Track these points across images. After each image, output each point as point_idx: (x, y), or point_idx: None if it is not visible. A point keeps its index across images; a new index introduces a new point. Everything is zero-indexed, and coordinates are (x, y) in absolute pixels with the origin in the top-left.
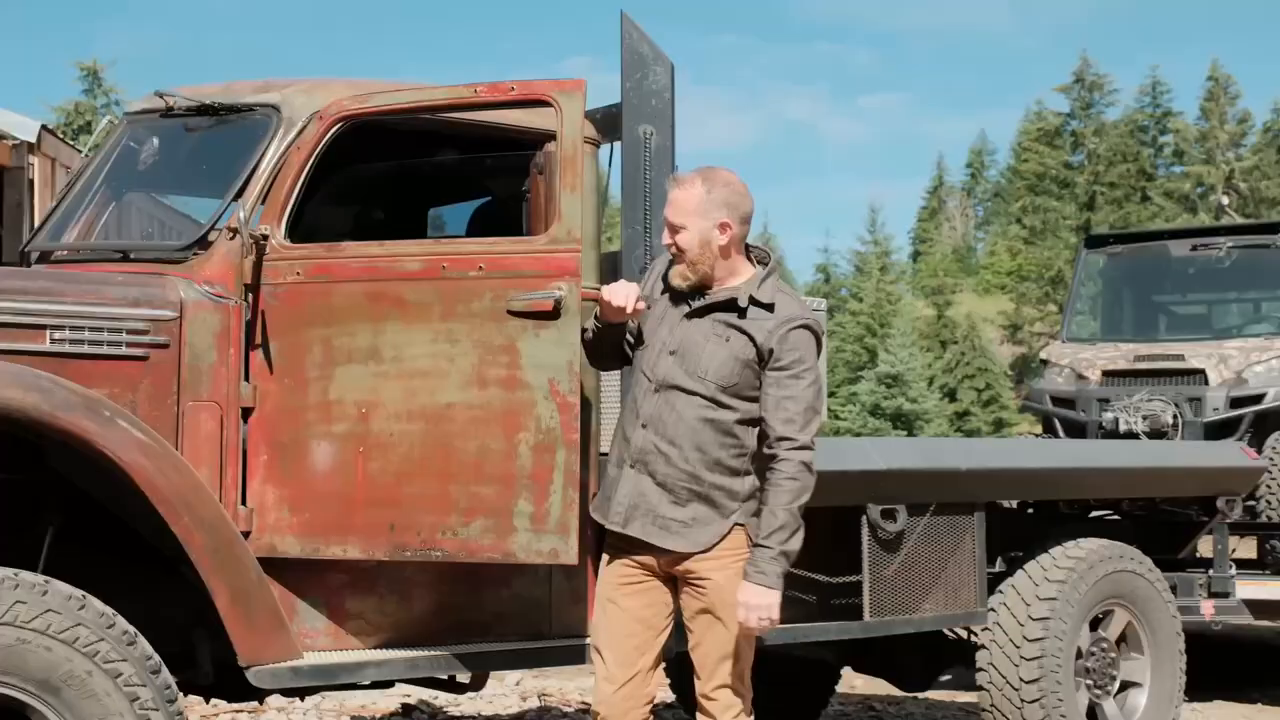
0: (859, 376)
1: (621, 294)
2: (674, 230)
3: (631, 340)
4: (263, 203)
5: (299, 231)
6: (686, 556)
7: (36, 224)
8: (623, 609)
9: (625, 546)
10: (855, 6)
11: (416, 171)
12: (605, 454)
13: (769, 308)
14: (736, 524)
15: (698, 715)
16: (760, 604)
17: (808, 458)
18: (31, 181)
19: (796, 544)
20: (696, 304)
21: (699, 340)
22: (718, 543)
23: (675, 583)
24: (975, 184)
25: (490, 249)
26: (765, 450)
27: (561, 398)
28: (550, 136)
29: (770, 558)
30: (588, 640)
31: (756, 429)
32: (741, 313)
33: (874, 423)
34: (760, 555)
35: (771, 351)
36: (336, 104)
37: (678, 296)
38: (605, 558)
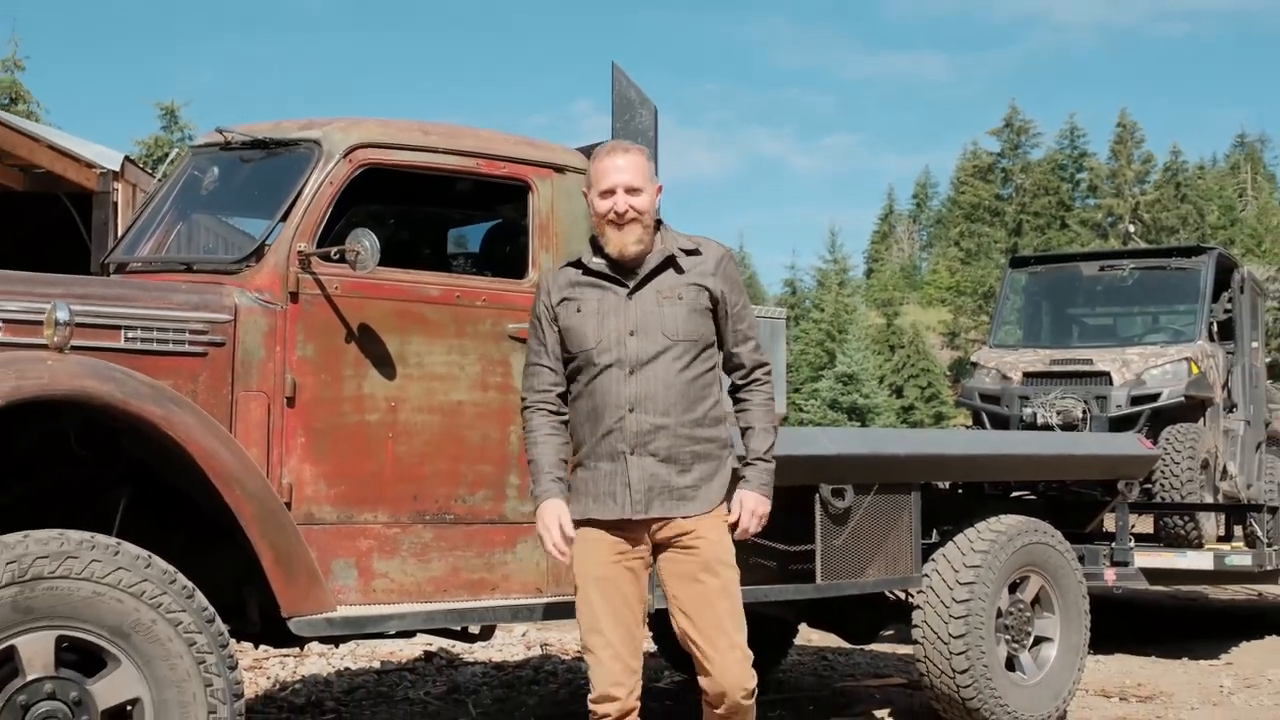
0: (820, 375)
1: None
2: (633, 193)
3: (565, 355)
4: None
5: (329, 245)
6: (679, 520)
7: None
8: (616, 588)
9: (607, 527)
10: (818, 59)
11: (437, 199)
12: None
13: (696, 252)
14: (732, 470)
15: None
16: (762, 510)
17: (771, 373)
18: (116, 204)
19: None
20: (636, 279)
21: (653, 309)
22: (724, 497)
23: (655, 553)
24: (920, 212)
25: (491, 286)
26: (738, 379)
27: None
28: (541, 169)
29: (769, 470)
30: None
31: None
32: (679, 268)
33: (832, 415)
34: (763, 469)
35: (723, 290)
36: (363, 153)
37: (603, 286)
38: (584, 540)
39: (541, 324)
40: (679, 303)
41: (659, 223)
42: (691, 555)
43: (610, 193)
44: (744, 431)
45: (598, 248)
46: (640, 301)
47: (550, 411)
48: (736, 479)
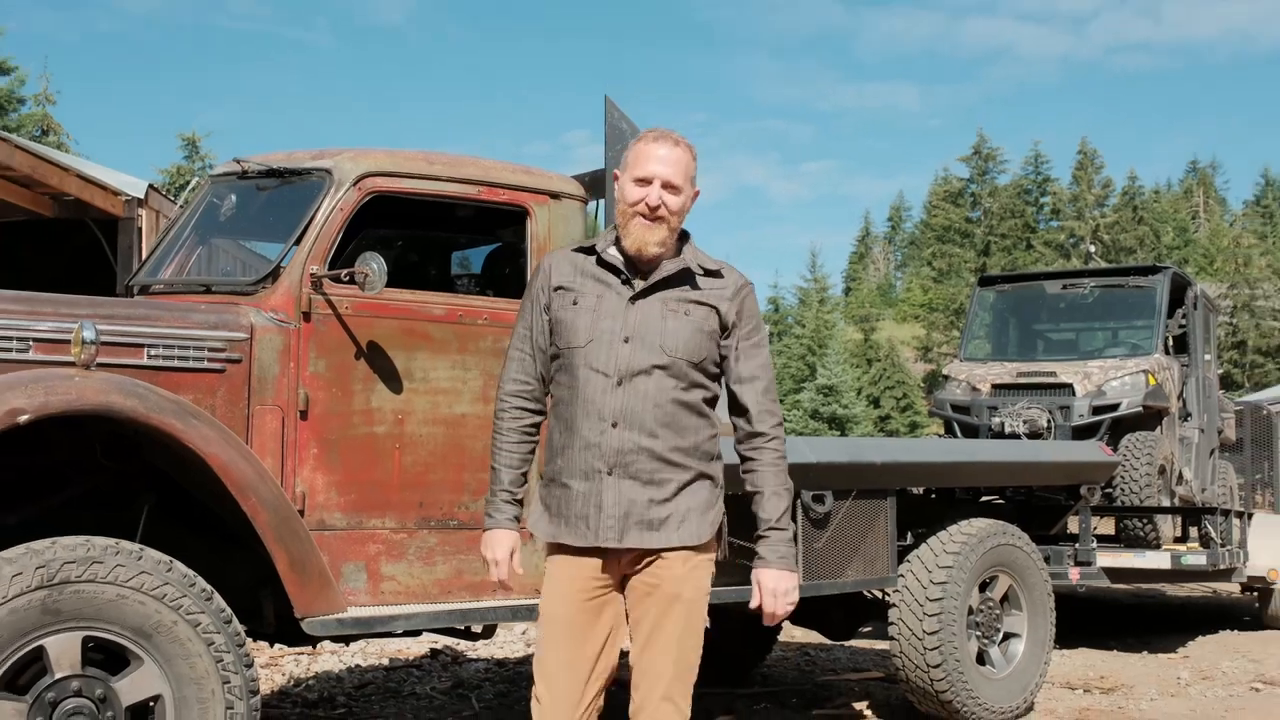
0: (802, 387)
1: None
2: (672, 190)
3: (551, 349)
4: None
5: (339, 268)
6: (657, 552)
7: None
8: (582, 635)
9: (579, 553)
10: (799, 91)
11: (441, 224)
12: None
13: (716, 274)
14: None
15: None
16: (788, 589)
17: (783, 425)
18: (140, 230)
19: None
20: (645, 284)
21: (655, 320)
22: (711, 535)
23: (625, 585)
24: (895, 234)
25: (492, 306)
26: (751, 428)
27: None
28: (538, 196)
29: (787, 540)
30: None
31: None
32: (694, 284)
33: (814, 425)
34: (779, 539)
35: (735, 321)
36: (372, 181)
37: (607, 282)
38: (553, 570)
39: (533, 308)
40: (685, 318)
41: (685, 234)
42: (650, 587)
43: (646, 182)
44: (753, 496)
45: (617, 239)
46: (643, 308)
47: (524, 409)
48: (744, 547)
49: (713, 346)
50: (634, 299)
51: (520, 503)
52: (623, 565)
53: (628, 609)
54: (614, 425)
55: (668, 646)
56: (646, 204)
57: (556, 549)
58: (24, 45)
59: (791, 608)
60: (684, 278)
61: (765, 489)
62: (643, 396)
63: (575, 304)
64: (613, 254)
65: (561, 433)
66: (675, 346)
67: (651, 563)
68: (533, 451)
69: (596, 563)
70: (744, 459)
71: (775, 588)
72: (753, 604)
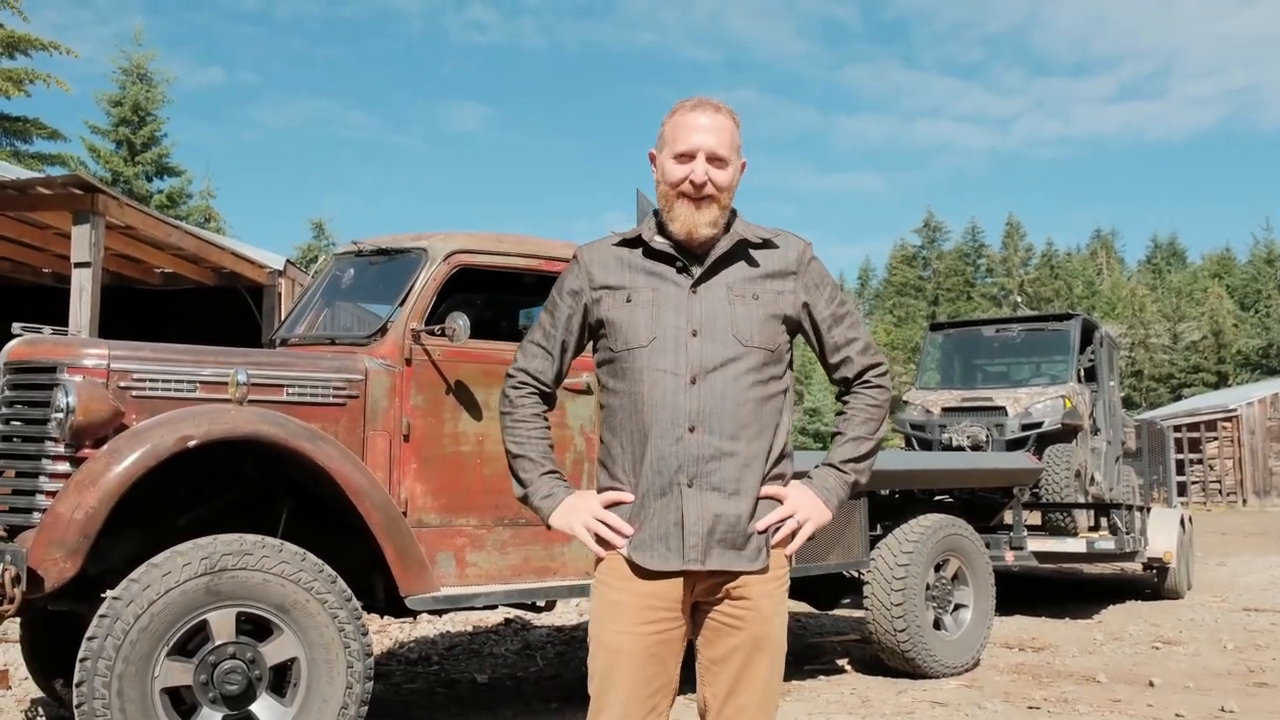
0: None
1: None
2: (716, 163)
3: (604, 355)
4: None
5: (433, 324)
6: (737, 575)
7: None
8: (643, 670)
9: (646, 575)
10: (785, 178)
11: (511, 289)
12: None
13: (771, 244)
14: None
15: None
16: (809, 514)
17: (887, 374)
18: (280, 295)
19: (866, 479)
20: (703, 268)
21: (722, 308)
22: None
23: (694, 610)
24: (863, 289)
25: None
26: (856, 383)
27: (585, 435)
28: None
29: (843, 482)
30: None
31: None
32: (752, 261)
33: (801, 439)
34: (829, 474)
35: (808, 300)
36: (458, 257)
37: (660, 274)
38: (609, 590)
39: (561, 305)
40: (753, 303)
41: (733, 211)
42: (733, 628)
43: (688, 157)
44: (833, 438)
45: (662, 225)
46: (706, 296)
47: (539, 398)
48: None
49: (782, 331)
50: (695, 286)
51: (561, 476)
52: (696, 588)
53: (701, 641)
54: (691, 430)
55: (761, 696)
56: (691, 181)
57: (623, 566)
58: (191, 153)
59: (794, 531)
60: (740, 253)
61: (848, 431)
62: (720, 395)
63: (629, 301)
64: (662, 242)
65: (623, 446)
66: (749, 335)
67: (731, 592)
68: (551, 446)
69: (670, 587)
70: (841, 406)
71: (797, 504)
72: (761, 524)
